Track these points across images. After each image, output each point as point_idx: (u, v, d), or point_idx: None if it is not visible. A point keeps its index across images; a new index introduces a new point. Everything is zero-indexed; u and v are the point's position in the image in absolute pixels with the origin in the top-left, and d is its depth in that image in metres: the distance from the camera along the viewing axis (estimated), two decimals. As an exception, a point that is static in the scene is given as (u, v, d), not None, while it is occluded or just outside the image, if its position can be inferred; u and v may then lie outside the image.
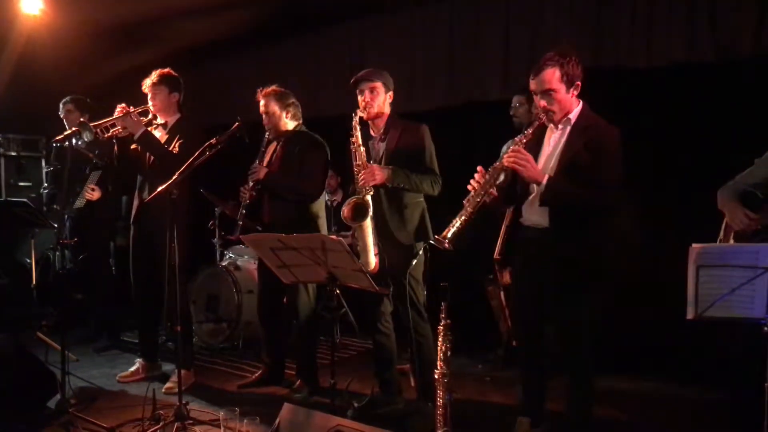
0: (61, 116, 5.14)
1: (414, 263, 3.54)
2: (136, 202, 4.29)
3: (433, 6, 5.21)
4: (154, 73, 4.20)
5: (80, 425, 3.44)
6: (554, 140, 2.96)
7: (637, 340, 4.28)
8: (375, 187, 3.47)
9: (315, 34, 5.98)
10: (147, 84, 4.18)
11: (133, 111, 4.07)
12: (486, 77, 4.96)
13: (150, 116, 4.22)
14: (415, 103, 5.23)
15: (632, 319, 4.28)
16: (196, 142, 3.86)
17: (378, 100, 3.55)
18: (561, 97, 2.85)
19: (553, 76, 2.82)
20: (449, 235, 2.78)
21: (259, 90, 4.09)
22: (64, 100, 5.17)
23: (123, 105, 4.08)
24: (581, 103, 2.94)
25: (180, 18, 5.39)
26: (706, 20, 3.97)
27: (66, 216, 5.15)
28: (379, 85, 3.55)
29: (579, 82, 2.86)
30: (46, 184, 5.17)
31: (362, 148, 3.50)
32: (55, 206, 5.04)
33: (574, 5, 4.48)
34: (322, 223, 4.15)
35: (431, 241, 2.86)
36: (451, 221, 2.80)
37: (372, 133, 3.67)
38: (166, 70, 4.24)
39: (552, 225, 2.89)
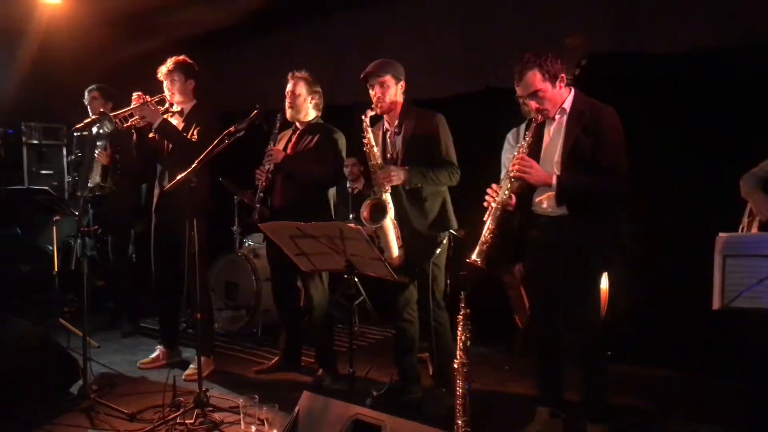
0: (86, 103, 5.17)
1: (437, 252, 3.52)
2: (156, 191, 4.31)
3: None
4: (169, 60, 4.20)
5: (102, 411, 3.49)
6: (552, 131, 2.97)
7: (659, 329, 4.23)
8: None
9: (331, 21, 5.94)
10: (163, 71, 4.18)
11: (150, 100, 4.07)
12: (505, 63, 4.88)
13: (167, 104, 4.22)
14: (433, 90, 5.18)
15: (655, 307, 4.24)
16: (213, 129, 3.88)
17: (389, 93, 3.51)
18: (549, 95, 2.89)
19: (534, 78, 2.86)
20: (474, 256, 2.78)
21: (292, 72, 4.07)
22: (89, 88, 5.19)
23: (139, 93, 4.08)
24: (572, 90, 2.97)
25: (196, 4, 5.38)
26: (732, 2, 3.88)
27: (88, 204, 5.20)
28: (388, 78, 3.50)
29: (563, 75, 2.90)
30: (71, 173, 5.20)
31: (375, 149, 3.48)
32: (77, 193, 5.07)
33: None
34: (330, 207, 4.16)
35: (468, 260, 2.84)
36: (478, 241, 2.81)
37: (387, 125, 3.63)
38: (182, 57, 4.24)
39: (571, 214, 2.89)
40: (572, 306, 2.97)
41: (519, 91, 2.93)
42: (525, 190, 2.96)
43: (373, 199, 3.45)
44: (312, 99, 4.06)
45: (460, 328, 2.78)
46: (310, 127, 4.07)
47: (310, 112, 4.08)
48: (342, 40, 5.92)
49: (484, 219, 2.83)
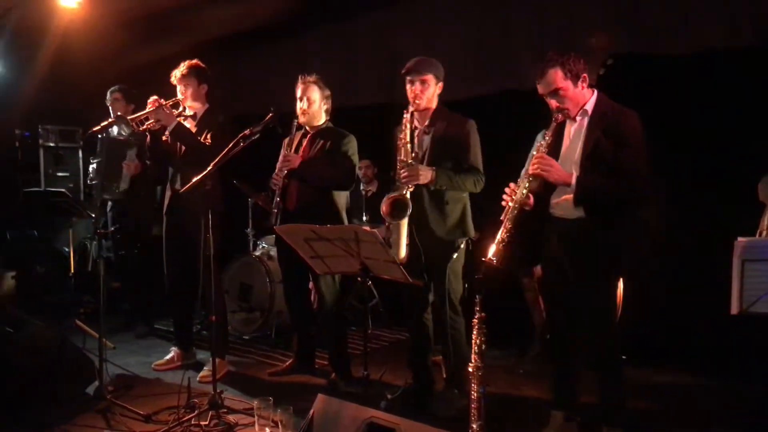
0: (108, 104, 5.20)
1: (455, 257, 3.49)
2: (168, 193, 4.33)
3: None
4: (182, 64, 4.23)
5: (117, 412, 3.52)
6: (573, 132, 2.96)
7: (676, 334, 4.21)
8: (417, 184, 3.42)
9: (347, 23, 5.94)
10: (176, 76, 4.21)
11: (165, 104, 4.10)
12: (520, 65, 4.88)
13: (180, 108, 4.25)
14: (448, 92, 5.16)
15: (673, 312, 4.22)
16: (227, 133, 3.91)
17: (428, 92, 3.46)
18: (570, 94, 2.87)
19: (556, 76, 2.85)
20: (490, 255, 2.77)
21: (301, 77, 4.07)
22: (111, 89, 5.22)
23: (155, 98, 4.10)
24: (595, 92, 2.95)
25: (212, 7, 5.41)
26: (746, 2, 3.84)
27: (108, 206, 5.25)
28: (430, 77, 3.45)
29: (585, 75, 2.88)
30: (92, 176, 5.22)
31: (409, 146, 3.43)
32: (105, 196, 5.11)
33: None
34: (343, 210, 4.18)
35: (484, 258, 2.83)
36: (494, 240, 2.80)
37: (417, 123, 3.57)
38: (195, 61, 4.26)
39: (588, 216, 2.87)
40: (588, 310, 2.95)
41: (540, 88, 2.92)
42: (543, 189, 2.94)
43: (395, 195, 3.42)
44: (325, 103, 4.08)
45: (475, 332, 2.78)
46: (321, 131, 4.08)
47: (322, 116, 4.09)
48: (356, 42, 5.92)
49: (501, 218, 2.82)
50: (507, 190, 2.86)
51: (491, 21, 5.03)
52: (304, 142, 4.08)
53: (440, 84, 3.53)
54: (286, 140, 4.18)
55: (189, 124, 4.25)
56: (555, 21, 4.65)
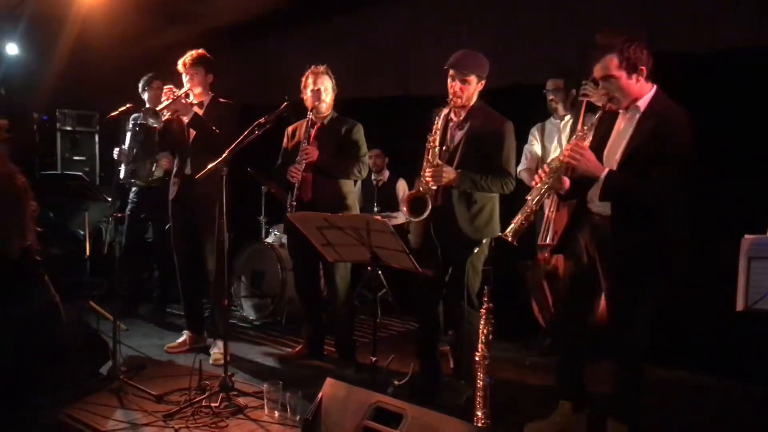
0: (146, 94, 5.22)
1: (476, 251, 3.46)
2: (176, 179, 4.39)
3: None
4: (189, 54, 4.27)
5: (130, 392, 3.60)
6: (622, 128, 2.86)
7: (683, 332, 4.21)
8: None
9: (359, 14, 5.95)
10: (186, 65, 4.25)
11: (180, 94, 4.15)
12: (533, 60, 4.87)
13: (191, 98, 4.31)
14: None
15: (680, 310, 4.22)
16: (234, 122, 4.06)
17: (468, 91, 3.38)
18: (622, 84, 2.74)
19: (611, 63, 2.73)
20: (509, 232, 2.81)
21: (313, 68, 4.09)
22: (149, 77, 5.25)
23: (169, 87, 4.16)
24: (654, 88, 2.81)
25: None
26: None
27: (132, 192, 5.32)
28: (472, 78, 3.36)
29: (643, 67, 2.73)
30: (119, 158, 5.25)
31: (437, 149, 3.36)
32: (137, 181, 5.17)
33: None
34: (354, 199, 4.23)
35: (499, 234, 2.85)
36: (514, 218, 2.82)
37: (453, 116, 3.51)
38: (201, 51, 4.31)
39: (613, 215, 2.81)
40: (617, 309, 2.91)
41: (595, 71, 2.80)
42: (573, 175, 2.88)
43: (414, 192, 3.39)
44: (334, 92, 4.11)
45: (482, 322, 2.82)
46: (330, 121, 4.12)
47: (330, 105, 4.13)
48: (369, 32, 5.92)
49: (527, 197, 2.82)
50: (540, 171, 2.83)
51: (507, 13, 5.01)
52: (313, 133, 4.10)
53: (482, 83, 3.44)
54: (289, 129, 4.22)
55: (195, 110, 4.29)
56: (572, 16, 4.64)
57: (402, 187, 5.82)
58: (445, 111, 3.44)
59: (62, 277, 5.95)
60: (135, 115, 5.16)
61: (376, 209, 5.66)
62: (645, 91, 2.79)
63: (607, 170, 2.74)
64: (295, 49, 6.35)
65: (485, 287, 2.83)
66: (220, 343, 4.09)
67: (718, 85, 4.08)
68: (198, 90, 4.29)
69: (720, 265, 3.01)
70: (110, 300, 4.04)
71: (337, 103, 4.22)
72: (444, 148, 3.44)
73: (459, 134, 3.45)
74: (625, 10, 4.34)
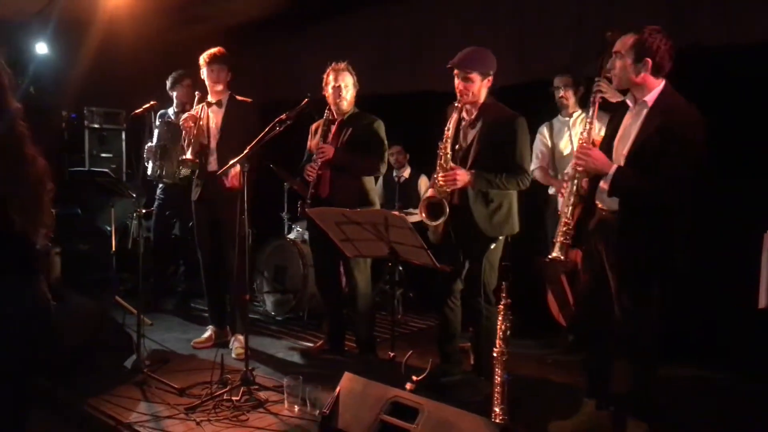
0: (176, 91, 5.30)
1: (492, 247, 3.47)
2: (198, 181, 4.45)
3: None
4: (211, 51, 4.32)
5: (153, 385, 3.65)
6: (629, 122, 2.87)
7: (705, 329, 4.15)
8: None
9: (379, 10, 5.94)
10: (208, 62, 4.29)
11: (195, 112, 4.29)
12: (556, 55, 4.82)
13: (209, 98, 4.38)
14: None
15: (701, 307, 4.16)
16: (257, 120, 4.13)
17: (473, 88, 3.41)
18: (624, 65, 2.77)
19: (627, 42, 2.76)
20: (555, 253, 2.84)
21: (334, 65, 4.10)
22: (180, 74, 5.31)
23: (189, 115, 4.29)
24: (663, 83, 2.79)
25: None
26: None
27: (160, 188, 5.39)
28: (474, 75, 3.39)
29: (649, 60, 2.72)
30: (147, 155, 5.31)
31: (449, 155, 3.39)
32: (165, 179, 5.23)
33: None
34: (375, 195, 4.24)
35: (546, 258, 2.91)
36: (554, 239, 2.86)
37: (465, 114, 3.54)
38: (222, 48, 4.36)
39: (620, 212, 2.82)
40: (626, 305, 2.88)
41: (616, 45, 2.83)
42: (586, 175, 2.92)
43: (430, 196, 3.42)
44: (355, 89, 4.12)
45: (500, 318, 2.82)
46: (350, 117, 4.13)
47: (352, 102, 4.13)
48: (390, 29, 5.91)
49: (559, 213, 2.87)
50: (563, 184, 2.89)
51: (530, 9, 4.97)
52: (333, 129, 4.12)
53: (489, 78, 3.45)
54: (313, 127, 4.25)
55: (214, 111, 4.36)
56: (595, 11, 4.59)
57: (424, 183, 5.81)
58: (455, 115, 3.45)
59: (90, 272, 6.14)
60: (161, 111, 5.24)
61: (397, 205, 5.66)
62: (652, 86, 2.77)
63: (615, 167, 2.74)
64: (314, 45, 6.38)
65: (503, 283, 2.82)
66: (242, 338, 4.13)
67: (740, 79, 4.01)
68: (219, 87, 4.34)
69: (745, 261, 2.97)
70: (135, 295, 4.10)
71: (359, 99, 4.22)
72: (457, 147, 3.47)
73: (472, 133, 3.47)
74: (643, 3, 4.28)
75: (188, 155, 4.29)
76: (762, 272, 2.21)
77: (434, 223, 3.40)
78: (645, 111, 2.77)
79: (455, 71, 3.43)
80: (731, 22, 3.98)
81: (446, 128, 3.43)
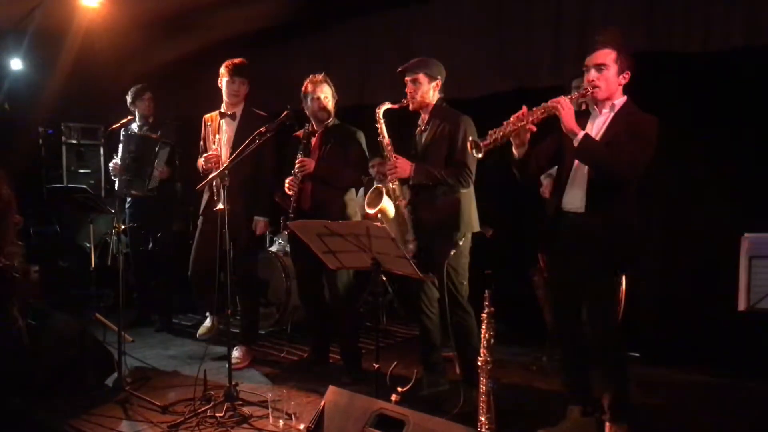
0: (137, 106, 5.25)
1: (452, 253, 3.51)
2: (206, 195, 4.42)
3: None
4: (236, 62, 4.31)
5: (135, 403, 3.60)
6: (598, 124, 3.03)
7: (686, 331, 4.20)
8: (401, 180, 3.56)
9: (363, 21, 5.97)
10: (233, 73, 4.29)
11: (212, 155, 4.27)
12: (536, 63, 4.87)
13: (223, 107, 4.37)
14: (463, 90, 5.20)
15: (683, 309, 4.21)
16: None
17: (420, 90, 3.56)
18: (610, 76, 2.94)
19: (608, 55, 2.94)
20: (481, 139, 2.93)
21: (312, 77, 4.10)
22: (140, 87, 5.28)
23: (211, 155, 4.27)
24: (626, 96, 3.02)
25: (231, 6, 5.47)
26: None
27: (127, 202, 5.33)
28: (420, 76, 3.55)
29: (629, 72, 2.96)
30: (114, 171, 5.25)
31: (386, 141, 3.59)
32: (133, 191, 5.17)
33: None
34: (356, 206, 4.24)
35: (471, 138, 3.03)
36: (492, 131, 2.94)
37: (420, 122, 3.68)
38: (244, 60, 4.36)
39: (587, 208, 2.95)
40: (591, 304, 2.98)
41: (588, 59, 2.99)
42: (557, 137, 3.04)
43: (373, 190, 3.61)
44: (334, 99, 4.12)
45: (484, 326, 2.81)
46: (330, 129, 4.12)
47: (332, 113, 4.13)
48: (374, 40, 5.93)
49: (504, 122, 2.94)
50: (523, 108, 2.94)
51: (509, 19, 5.02)
52: (314, 141, 4.11)
53: (436, 82, 3.60)
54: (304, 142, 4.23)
55: (227, 124, 4.32)
56: (574, 20, 4.64)
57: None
58: (383, 107, 3.62)
59: (70, 289, 6.06)
60: (115, 125, 5.18)
61: (380, 216, 5.65)
62: (620, 95, 3.01)
63: (584, 132, 2.89)
64: (297, 58, 6.38)
65: (486, 291, 2.81)
66: (240, 348, 4.26)
67: (721, 84, 4.08)
68: (236, 99, 4.36)
69: (730, 264, 3.01)
70: (117, 311, 4.05)
71: (340, 110, 4.22)
72: (413, 152, 3.59)
73: (423, 137, 3.59)
74: (630, 7, 4.34)
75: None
76: (740, 275, 2.23)
77: (372, 211, 3.58)
78: (612, 114, 2.99)
79: (405, 78, 3.60)
80: (704, 30, 4.04)
81: (378, 125, 3.61)
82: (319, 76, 4.08)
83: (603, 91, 2.96)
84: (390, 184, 3.58)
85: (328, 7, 5.72)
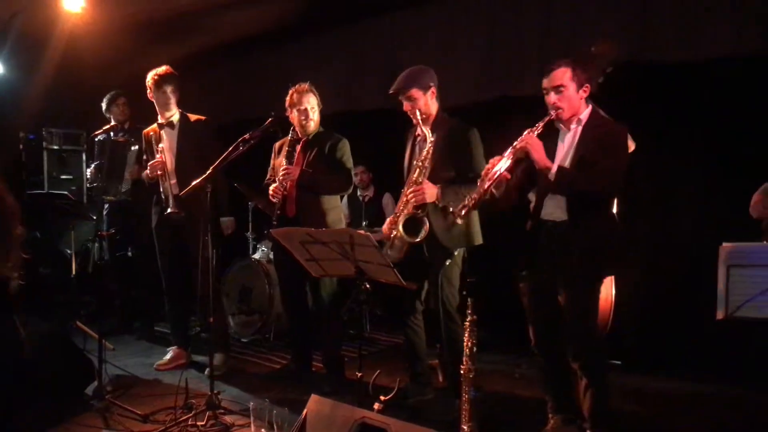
0: (112, 111, 5.26)
1: (447, 264, 3.52)
2: (156, 208, 4.42)
3: (473, -1, 5.19)
4: (163, 72, 4.31)
5: (116, 412, 3.56)
6: (568, 140, 3.05)
7: (669, 339, 4.23)
8: None
9: (350, 29, 5.98)
10: (160, 83, 4.28)
11: (161, 157, 4.27)
12: (523, 71, 4.90)
13: (165, 118, 4.37)
14: (450, 98, 5.21)
15: (665, 317, 4.24)
16: (214, 137, 4.21)
17: (419, 104, 3.52)
18: (570, 95, 2.97)
19: (564, 74, 2.97)
20: (457, 209, 2.96)
21: (297, 86, 4.09)
22: (116, 93, 5.30)
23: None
24: (590, 106, 3.06)
25: (216, 12, 5.46)
26: (754, 10, 3.85)
27: (105, 208, 5.29)
28: (414, 92, 3.52)
29: (588, 86, 3.00)
30: (90, 178, 5.22)
31: (426, 170, 3.48)
32: (105, 197, 5.14)
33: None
34: (341, 213, 4.27)
35: (451, 209, 3.03)
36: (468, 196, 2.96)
37: (419, 131, 3.61)
38: (168, 68, 4.36)
39: (570, 216, 2.97)
40: (571, 312, 2.99)
41: (545, 82, 3.02)
42: (524, 172, 3.06)
43: (408, 213, 3.48)
44: (319, 108, 4.11)
45: (466, 335, 2.82)
46: (315, 137, 4.12)
47: (317, 122, 4.13)
48: (362, 47, 5.93)
49: (479, 181, 2.97)
50: (492, 159, 2.97)
51: (498, 28, 5.04)
52: (298, 149, 4.10)
53: (431, 90, 3.57)
54: (277, 145, 4.23)
55: (168, 132, 4.35)
56: (562, 29, 4.68)
57: (388, 202, 5.82)
58: (412, 133, 3.59)
59: (51, 296, 5.99)
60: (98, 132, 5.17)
61: (364, 224, 5.66)
62: (584, 108, 3.04)
63: (557, 165, 2.92)
64: (284, 64, 6.38)
65: (469, 299, 2.82)
66: (217, 356, 4.19)
67: (706, 93, 4.14)
68: (170, 108, 4.35)
69: (710, 272, 3.05)
70: (97, 319, 4.02)
71: (327, 117, 4.23)
72: (415, 162, 3.54)
73: (427, 148, 3.52)
74: (619, 17, 4.38)
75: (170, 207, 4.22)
76: (719, 284, 2.25)
77: (417, 240, 3.44)
78: (580, 127, 3.02)
79: (399, 98, 3.57)
80: (690, 41, 4.09)
81: (407, 151, 3.56)
82: (305, 86, 4.07)
83: (567, 111, 2.99)
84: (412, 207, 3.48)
85: (316, 14, 5.72)
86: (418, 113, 3.51)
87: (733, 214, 3.23)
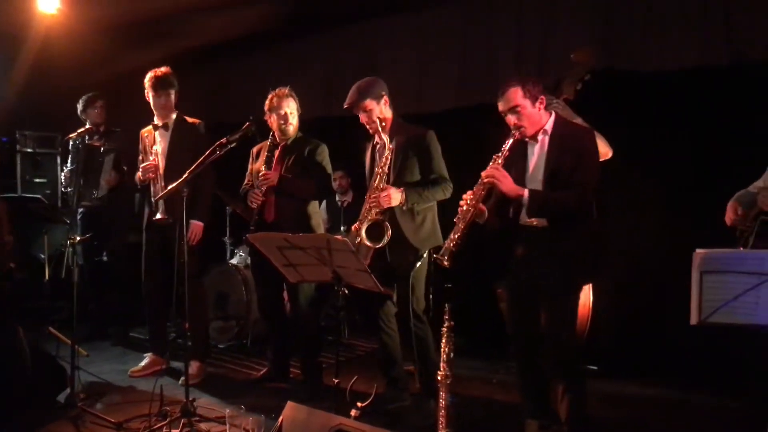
0: (89, 114, 5.18)
1: (418, 266, 3.56)
2: (146, 209, 4.36)
3: (447, 7, 5.21)
4: (159, 72, 4.25)
5: (88, 420, 3.50)
6: (537, 151, 3.06)
7: (645, 344, 4.27)
8: None
9: (328, 35, 5.99)
10: (157, 85, 4.23)
11: (152, 161, 4.20)
12: (498, 79, 4.93)
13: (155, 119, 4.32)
14: (426, 105, 5.24)
15: (641, 323, 4.28)
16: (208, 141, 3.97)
17: (374, 115, 3.58)
18: (528, 113, 2.98)
19: (516, 94, 2.97)
20: (445, 255, 2.94)
21: (277, 90, 4.07)
22: (92, 95, 5.22)
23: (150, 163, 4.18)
24: (553, 114, 3.09)
25: (194, 15, 5.42)
26: (720, 23, 3.94)
27: (79, 213, 5.21)
28: (368, 102, 3.57)
29: (542, 97, 3.01)
30: (65, 183, 5.16)
31: (386, 176, 3.54)
32: (84, 202, 5.07)
33: (586, 7, 4.47)
34: (319, 219, 4.26)
35: (435, 256, 2.97)
36: (448, 239, 2.95)
37: (377, 139, 3.66)
38: (168, 69, 4.30)
39: (550, 222, 2.98)
40: (550, 318, 3.00)
41: (500, 105, 3.04)
42: (498, 198, 3.07)
43: (371, 219, 3.50)
44: (299, 113, 4.10)
45: (443, 340, 2.81)
46: (293, 142, 4.10)
47: (296, 127, 4.12)
48: (340, 53, 5.96)
49: (455, 220, 2.96)
50: (465, 195, 2.97)
51: (472, 36, 5.09)
52: (277, 154, 4.08)
53: (384, 99, 3.62)
54: (255, 150, 4.21)
55: (161, 135, 4.30)
56: (534, 38, 4.73)
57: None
58: (371, 142, 3.65)
59: (24, 301, 5.88)
60: (72, 135, 5.10)
61: (343, 230, 5.64)
62: (546, 119, 3.05)
63: (527, 189, 2.94)
64: (262, 68, 6.36)
65: (447, 305, 2.82)
66: (193, 363, 4.15)
67: (679, 102, 4.20)
68: (165, 110, 4.29)
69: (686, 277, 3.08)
70: (71, 324, 3.95)
71: (305, 122, 4.21)
72: (377, 169, 3.58)
73: (386, 154, 3.57)
74: (590, 27, 4.44)
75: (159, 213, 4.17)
76: (692, 290, 2.27)
77: (379, 245, 3.46)
78: (547, 138, 3.03)
79: (354, 111, 3.63)
80: (660, 51, 4.16)
81: (366, 158, 3.63)
82: (284, 90, 4.06)
83: (529, 128, 3.01)
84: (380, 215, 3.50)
85: (293, 19, 5.71)
86: (378, 122, 3.56)
87: (706, 221, 3.27)
